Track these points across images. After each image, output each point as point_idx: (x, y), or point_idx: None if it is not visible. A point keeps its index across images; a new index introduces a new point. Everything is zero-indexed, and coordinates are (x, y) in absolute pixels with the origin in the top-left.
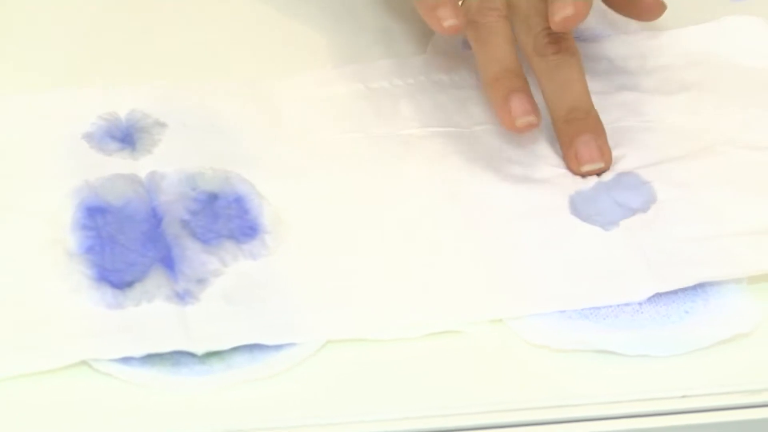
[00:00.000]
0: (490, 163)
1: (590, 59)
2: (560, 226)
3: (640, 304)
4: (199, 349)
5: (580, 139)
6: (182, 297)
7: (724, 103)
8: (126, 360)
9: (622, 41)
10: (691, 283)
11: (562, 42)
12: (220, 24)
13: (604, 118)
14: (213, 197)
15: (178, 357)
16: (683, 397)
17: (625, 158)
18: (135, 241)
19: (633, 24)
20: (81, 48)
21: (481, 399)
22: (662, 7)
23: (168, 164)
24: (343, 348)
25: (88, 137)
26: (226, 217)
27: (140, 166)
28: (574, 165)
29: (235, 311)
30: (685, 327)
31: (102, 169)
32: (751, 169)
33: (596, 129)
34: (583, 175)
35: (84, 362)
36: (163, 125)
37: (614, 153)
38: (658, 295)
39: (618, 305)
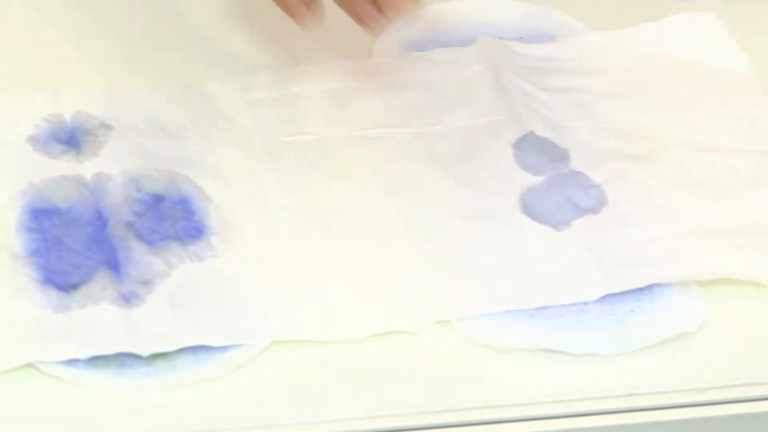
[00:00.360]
0: (441, 164)
1: (539, 58)
2: (511, 225)
3: (585, 303)
4: (145, 351)
5: None
6: (128, 299)
7: (674, 103)
8: (72, 362)
9: (571, 42)
10: (641, 284)
11: None
12: (165, 27)
13: (554, 117)
14: (158, 199)
15: (123, 359)
16: (629, 395)
17: (576, 158)
18: (80, 243)
19: (580, 25)
20: (24, 52)
21: (427, 399)
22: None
23: (113, 166)
24: (289, 349)
25: (33, 140)
26: (171, 218)
27: (85, 168)
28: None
29: (181, 313)
30: (630, 326)
31: (47, 171)
32: (700, 171)
33: None
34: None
35: (30, 364)
36: (108, 127)
37: (564, 150)
38: (605, 294)
39: (564, 304)
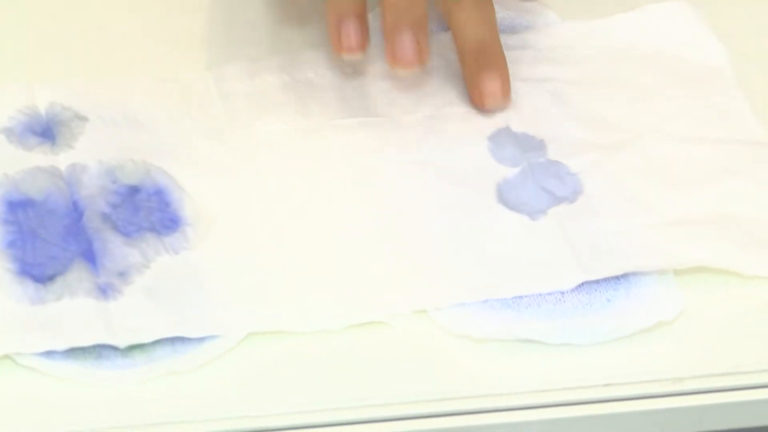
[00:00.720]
0: (417, 153)
1: (514, 48)
2: (487, 215)
3: (562, 293)
4: (122, 343)
5: (485, 74)
6: (104, 290)
7: (648, 93)
8: (48, 354)
9: (547, 32)
10: (617, 273)
11: None
12: (138, 17)
13: (530, 107)
14: (133, 190)
15: (100, 350)
16: (606, 385)
17: (552, 148)
18: (56, 235)
19: (554, 16)
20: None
21: (404, 390)
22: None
23: (88, 158)
24: (265, 340)
25: (8, 132)
26: (147, 209)
27: (61, 160)
28: (477, 99)
29: (157, 304)
30: (607, 315)
31: (22, 163)
32: (676, 161)
33: (500, 64)
34: (486, 110)
35: (6, 356)
36: (83, 119)
37: (540, 140)
38: (581, 284)
39: (540, 294)
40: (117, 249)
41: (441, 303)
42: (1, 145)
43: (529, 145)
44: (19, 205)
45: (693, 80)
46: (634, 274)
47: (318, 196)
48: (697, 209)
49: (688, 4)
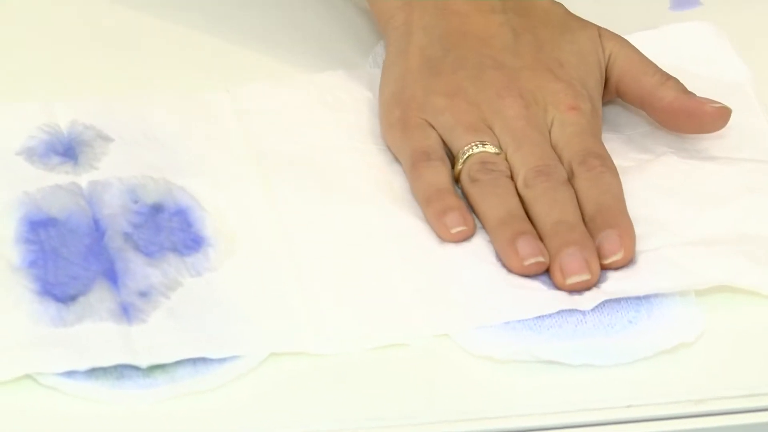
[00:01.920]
0: None
1: None
2: None
3: (584, 313)
4: (143, 363)
5: (565, 251)
6: (126, 310)
7: None
8: (70, 374)
9: None
10: (637, 293)
11: (552, 173)
12: (159, 36)
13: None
14: (155, 210)
15: (122, 370)
16: (628, 406)
17: None
18: (78, 254)
19: None
20: (18, 63)
21: (425, 409)
22: (728, 113)
23: (110, 177)
24: (287, 361)
25: (29, 151)
26: (168, 229)
27: (82, 179)
28: (558, 277)
29: (179, 324)
30: (628, 336)
31: (44, 183)
32: (694, 180)
33: (583, 242)
34: (569, 290)
35: (28, 376)
36: (104, 138)
37: None
38: (602, 305)
39: (562, 315)
40: (139, 269)
41: (462, 326)
42: (23, 163)
43: None
44: (41, 225)
45: (715, 99)
46: (655, 295)
47: (339, 216)
48: (718, 229)
49: (710, 24)
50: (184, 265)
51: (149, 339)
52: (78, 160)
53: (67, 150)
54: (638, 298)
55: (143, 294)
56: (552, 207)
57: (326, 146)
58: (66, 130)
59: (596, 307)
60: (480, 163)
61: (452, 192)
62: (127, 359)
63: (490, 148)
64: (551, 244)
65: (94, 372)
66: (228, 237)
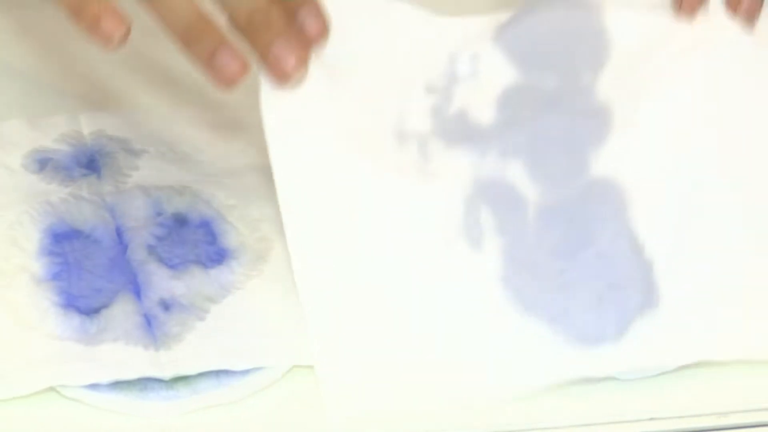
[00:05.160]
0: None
1: None
2: None
3: None
4: (167, 375)
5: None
6: (149, 323)
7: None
8: (93, 386)
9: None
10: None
11: None
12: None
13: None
14: (179, 222)
15: (145, 382)
16: (651, 419)
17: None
18: (101, 267)
19: None
20: (41, 76)
21: (449, 421)
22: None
23: (134, 189)
24: (310, 373)
25: (54, 163)
26: (192, 242)
27: (106, 191)
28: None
29: (202, 336)
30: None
31: (68, 194)
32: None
33: (286, 29)
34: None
35: (51, 388)
36: (128, 150)
37: None
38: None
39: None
40: (162, 282)
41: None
42: (47, 175)
43: None
44: (65, 237)
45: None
46: None
47: (367, 232)
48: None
49: None
50: (208, 277)
51: (172, 351)
52: (101, 172)
53: (90, 162)
54: None
55: (167, 306)
56: None
57: (362, 159)
58: (89, 141)
59: None
60: None
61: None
62: (151, 372)
63: None
64: (256, 40)
65: (118, 384)
66: (251, 249)
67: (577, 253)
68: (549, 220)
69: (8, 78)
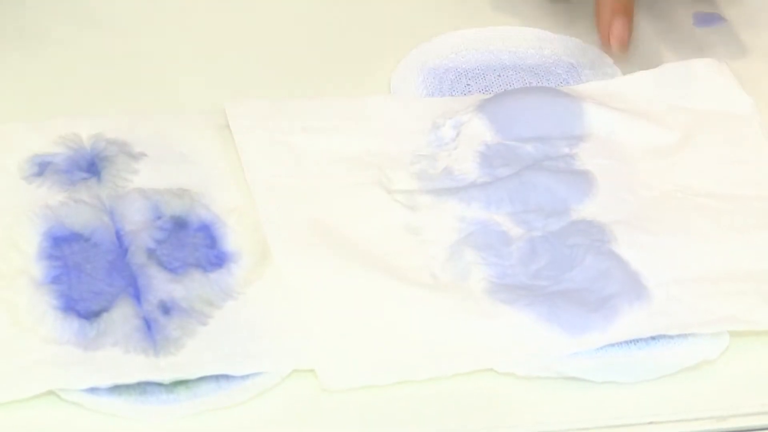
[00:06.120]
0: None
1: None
2: None
3: None
4: (166, 379)
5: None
6: (149, 326)
7: (675, 148)
8: (93, 389)
9: (581, 88)
10: (645, 335)
11: None
12: (181, 53)
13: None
14: (179, 225)
15: (144, 386)
16: (651, 423)
17: (585, 208)
18: (101, 270)
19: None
20: (41, 79)
21: (448, 426)
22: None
23: (133, 192)
24: (309, 378)
25: (53, 166)
26: (192, 246)
27: (105, 194)
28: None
29: (202, 340)
30: (651, 353)
31: (67, 198)
32: (701, 217)
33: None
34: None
35: (51, 391)
36: (127, 154)
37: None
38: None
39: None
40: (162, 285)
41: (491, 363)
42: (46, 178)
43: None
44: (65, 240)
45: (719, 134)
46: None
47: (364, 236)
48: (726, 265)
49: (714, 60)
50: (208, 281)
51: (172, 355)
52: (101, 175)
53: (90, 165)
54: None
55: (167, 310)
56: None
57: (352, 167)
58: (89, 145)
59: None
60: None
61: None
62: (150, 376)
63: None
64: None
65: (117, 388)
66: (251, 253)
67: (562, 275)
68: (533, 251)
69: (7, 80)
